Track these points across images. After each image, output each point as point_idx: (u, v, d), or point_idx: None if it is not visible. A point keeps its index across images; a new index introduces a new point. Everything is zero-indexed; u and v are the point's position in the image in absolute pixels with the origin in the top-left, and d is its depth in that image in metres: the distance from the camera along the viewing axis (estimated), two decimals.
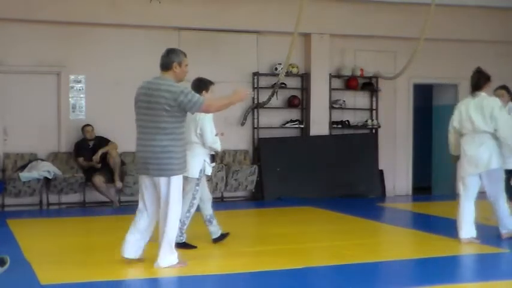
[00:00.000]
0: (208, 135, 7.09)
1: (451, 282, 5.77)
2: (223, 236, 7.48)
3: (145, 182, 6.28)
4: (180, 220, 6.70)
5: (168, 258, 6.22)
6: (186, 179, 6.89)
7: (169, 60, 6.20)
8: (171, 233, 6.23)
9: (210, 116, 7.08)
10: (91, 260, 6.75)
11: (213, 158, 7.36)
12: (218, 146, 7.21)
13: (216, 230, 7.44)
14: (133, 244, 6.31)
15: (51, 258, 6.82)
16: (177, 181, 6.16)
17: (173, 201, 6.16)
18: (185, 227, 7.12)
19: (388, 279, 6.26)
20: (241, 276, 6.11)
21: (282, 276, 6.13)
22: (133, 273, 6.09)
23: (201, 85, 7.21)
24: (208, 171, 7.23)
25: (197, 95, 6.16)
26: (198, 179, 7.12)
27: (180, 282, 6.00)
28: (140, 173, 6.31)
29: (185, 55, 6.30)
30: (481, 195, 13.46)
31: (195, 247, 7.16)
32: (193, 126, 7.09)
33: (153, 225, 6.36)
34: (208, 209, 7.39)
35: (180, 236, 6.99)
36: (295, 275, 6.14)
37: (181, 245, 6.94)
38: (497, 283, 5.82)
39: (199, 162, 7.11)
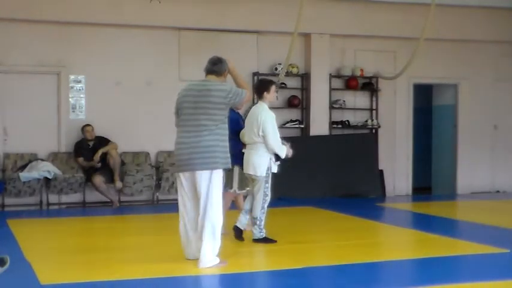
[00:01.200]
0: (271, 139, 7.37)
1: (451, 282, 5.76)
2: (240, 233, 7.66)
3: (183, 180, 6.43)
4: (258, 217, 7.42)
5: (209, 258, 6.27)
6: (253, 178, 7.44)
7: (222, 67, 6.57)
8: (214, 231, 6.28)
9: (272, 117, 7.42)
10: (91, 260, 6.75)
11: (277, 156, 7.53)
12: (282, 154, 7.46)
13: (243, 221, 7.65)
14: (189, 245, 6.51)
15: (51, 258, 6.83)
16: (218, 176, 6.31)
17: (214, 198, 6.28)
18: (263, 223, 7.49)
19: (388, 279, 6.26)
20: (241, 276, 6.11)
21: (282, 276, 6.13)
22: (133, 273, 6.08)
23: (262, 86, 7.63)
24: (274, 169, 7.51)
25: (239, 89, 6.48)
26: (266, 177, 7.42)
27: (178, 282, 6.00)
28: (180, 171, 6.43)
29: None
30: (484, 195, 13.53)
31: (275, 241, 7.49)
32: (256, 127, 7.39)
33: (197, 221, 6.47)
34: (250, 204, 7.66)
35: (260, 232, 7.46)
36: (295, 275, 6.13)
37: (262, 240, 7.44)
38: (497, 283, 5.82)
39: (265, 161, 7.41)
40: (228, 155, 6.41)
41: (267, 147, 7.39)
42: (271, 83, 7.70)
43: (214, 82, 6.47)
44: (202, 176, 6.28)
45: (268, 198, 7.53)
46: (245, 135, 7.68)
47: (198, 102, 6.36)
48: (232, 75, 6.68)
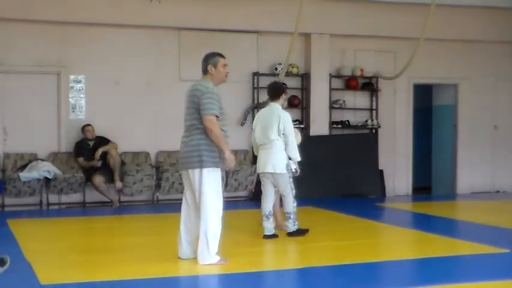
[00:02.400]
0: (292, 140, 7.70)
1: (451, 282, 5.76)
2: (274, 236, 7.88)
3: (185, 178, 6.52)
4: (291, 212, 7.76)
5: (205, 256, 6.29)
6: (275, 175, 7.76)
7: (205, 64, 6.52)
8: (206, 229, 6.28)
9: (290, 118, 7.75)
10: (91, 260, 6.76)
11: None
12: (297, 155, 7.79)
13: (269, 227, 7.85)
14: (188, 244, 6.53)
15: (51, 258, 6.84)
16: (209, 174, 6.30)
17: (206, 195, 6.28)
18: (295, 216, 7.81)
19: (388, 279, 6.26)
20: (241, 276, 6.11)
21: (282, 276, 6.14)
22: (133, 273, 6.08)
23: (280, 88, 8.01)
24: (292, 166, 7.82)
25: (212, 105, 6.26)
26: (288, 172, 7.77)
27: (178, 282, 6.00)
28: (180, 169, 6.58)
29: (221, 56, 6.55)
30: (484, 195, 13.53)
31: (307, 230, 7.92)
32: (276, 125, 7.67)
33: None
34: (268, 207, 7.88)
35: (294, 225, 7.79)
36: (295, 275, 6.14)
37: (295, 232, 7.78)
38: (497, 283, 5.82)
39: (284, 158, 7.71)
40: (218, 155, 6.34)
41: (286, 147, 7.70)
42: (285, 86, 8.18)
43: (203, 81, 6.47)
44: (194, 174, 6.33)
45: (294, 192, 7.84)
46: (258, 137, 7.91)
47: (188, 102, 6.43)
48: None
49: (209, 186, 6.29)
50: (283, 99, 8.03)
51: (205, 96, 6.28)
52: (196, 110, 6.31)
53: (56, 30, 11.22)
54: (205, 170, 6.28)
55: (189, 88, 6.54)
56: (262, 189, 8.02)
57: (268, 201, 7.91)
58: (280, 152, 7.73)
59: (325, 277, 6.15)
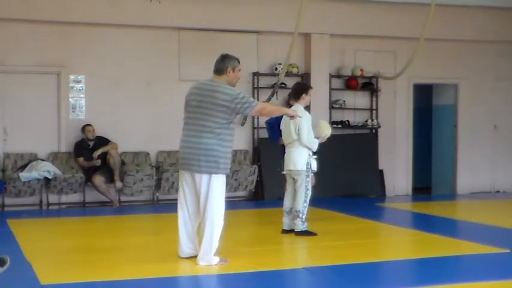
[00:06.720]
0: (304, 135, 7.86)
1: (451, 282, 5.76)
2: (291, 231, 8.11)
3: (186, 178, 6.43)
4: (300, 211, 7.87)
5: (207, 258, 6.29)
6: (293, 174, 7.96)
7: (223, 65, 6.46)
8: (212, 232, 6.27)
9: (307, 118, 7.87)
10: (91, 260, 6.76)
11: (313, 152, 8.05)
12: (313, 146, 7.99)
13: (287, 223, 8.12)
14: (188, 242, 6.52)
15: (51, 258, 6.83)
16: (218, 180, 6.28)
17: (213, 201, 6.25)
18: (304, 216, 7.94)
19: (388, 279, 6.26)
20: (241, 277, 6.11)
21: (282, 276, 6.14)
22: (133, 273, 6.08)
23: (301, 89, 8.20)
24: (314, 166, 7.98)
25: (251, 98, 6.40)
26: (306, 171, 7.91)
27: (178, 282, 6.00)
28: (182, 169, 6.47)
29: (239, 61, 6.58)
30: (484, 195, 13.53)
31: (315, 234, 7.93)
32: (293, 125, 7.88)
33: (197, 221, 6.49)
34: (288, 204, 8.12)
35: (303, 225, 7.90)
36: (295, 275, 6.13)
37: (304, 233, 7.88)
38: (497, 283, 5.82)
39: (304, 156, 7.93)
40: (229, 160, 6.37)
41: (301, 143, 7.90)
42: (309, 86, 8.30)
43: (221, 83, 6.35)
44: (202, 178, 6.27)
45: (309, 193, 7.95)
46: (283, 136, 8.19)
47: (202, 102, 6.30)
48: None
49: (217, 191, 6.28)
50: (304, 99, 8.12)
51: (238, 97, 6.26)
52: (218, 113, 6.20)
53: (56, 30, 11.22)
54: (215, 176, 6.26)
55: (200, 87, 6.42)
56: (287, 187, 8.22)
57: (289, 199, 8.12)
58: (301, 150, 7.94)
59: (325, 277, 6.15)
